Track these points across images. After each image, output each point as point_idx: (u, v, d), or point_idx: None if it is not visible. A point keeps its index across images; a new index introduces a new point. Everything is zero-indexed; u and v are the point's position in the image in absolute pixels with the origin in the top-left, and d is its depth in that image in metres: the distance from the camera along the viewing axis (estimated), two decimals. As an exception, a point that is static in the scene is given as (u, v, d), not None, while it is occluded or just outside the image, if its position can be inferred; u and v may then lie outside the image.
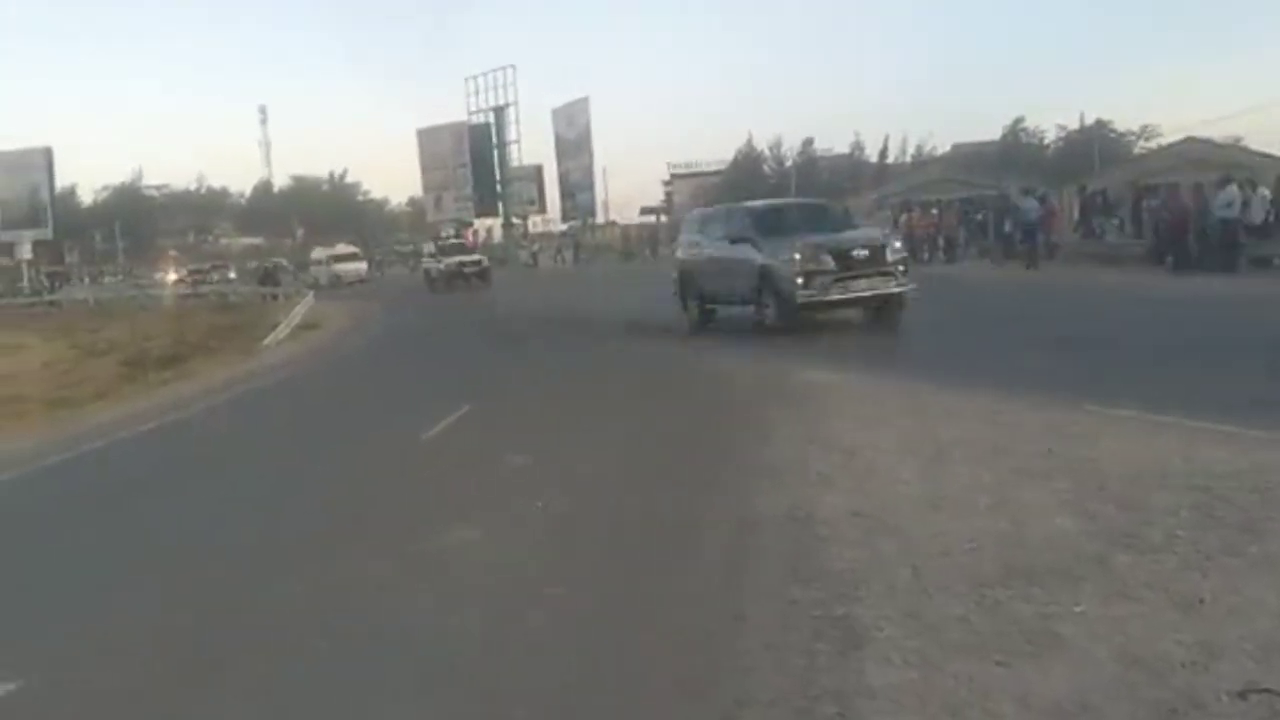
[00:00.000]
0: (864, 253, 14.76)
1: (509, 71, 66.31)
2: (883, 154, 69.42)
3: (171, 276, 57.89)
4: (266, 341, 24.65)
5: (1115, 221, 25.49)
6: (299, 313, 29.54)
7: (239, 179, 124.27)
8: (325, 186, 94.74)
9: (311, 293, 36.27)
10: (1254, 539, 4.96)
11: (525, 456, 8.77)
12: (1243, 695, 3.55)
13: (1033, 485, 6.24)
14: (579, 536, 6.49)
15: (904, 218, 31.26)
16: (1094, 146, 54.89)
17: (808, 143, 69.72)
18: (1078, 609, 4.40)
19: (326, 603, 5.60)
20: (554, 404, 11.81)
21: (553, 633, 4.90)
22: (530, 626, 4.98)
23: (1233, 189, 20.07)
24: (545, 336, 19.65)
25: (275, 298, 39.48)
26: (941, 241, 28.58)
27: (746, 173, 69.15)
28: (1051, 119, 67.55)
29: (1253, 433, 6.88)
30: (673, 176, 76.74)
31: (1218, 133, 46.21)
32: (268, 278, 48.52)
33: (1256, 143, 46.50)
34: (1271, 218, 19.91)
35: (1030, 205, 25.84)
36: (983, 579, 4.84)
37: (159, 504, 8.74)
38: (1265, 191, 20.18)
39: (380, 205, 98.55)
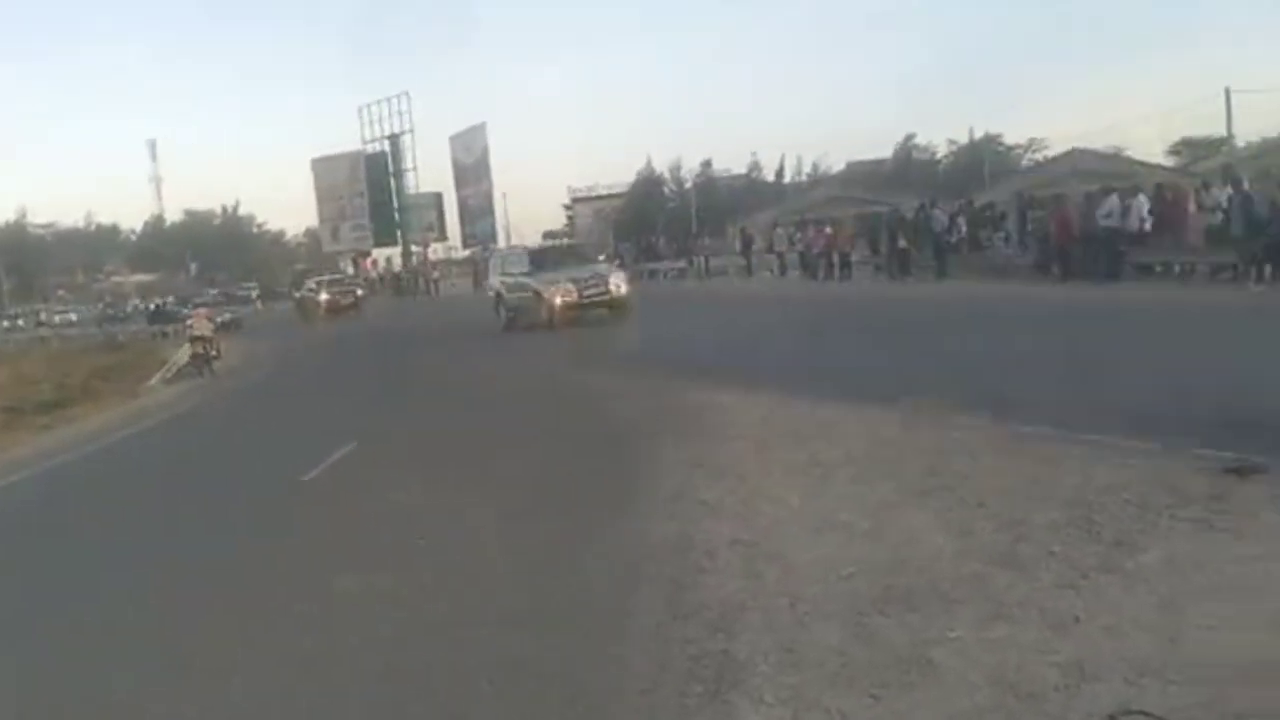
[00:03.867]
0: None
1: (403, 99, 65.81)
2: (779, 174, 70.39)
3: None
4: (151, 382, 23.80)
5: (1002, 234, 26.04)
6: (184, 354, 28.60)
7: (130, 215, 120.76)
8: (218, 220, 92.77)
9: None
10: (1129, 554, 4.93)
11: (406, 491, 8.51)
12: (1113, 719, 3.47)
13: (913, 505, 6.18)
14: (450, 578, 6.22)
15: (798, 236, 31.62)
16: (984, 161, 56.25)
17: (706, 164, 70.29)
18: (953, 634, 4.30)
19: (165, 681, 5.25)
20: (437, 418, 11.53)
21: (420, 686, 4.64)
22: (397, 682, 4.71)
23: (1113, 198, 20.60)
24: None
25: (165, 335, 38.35)
26: (836, 258, 28.89)
27: (646, 195, 69.44)
28: (943, 135, 69.37)
29: (1130, 443, 6.91)
30: (574, 200, 76.73)
31: (1102, 143, 47.83)
32: (158, 316, 47.33)
33: (1139, 152, 48.39)
34: (1149, 225, 20.46)
35: (939, 218, 26.32)
36: (860, 606, 4.72)
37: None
38: (1143, 199, 20.75)
39: (277, 236, 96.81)
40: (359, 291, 47.30)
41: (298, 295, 48.49)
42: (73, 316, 55.98)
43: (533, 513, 7.48)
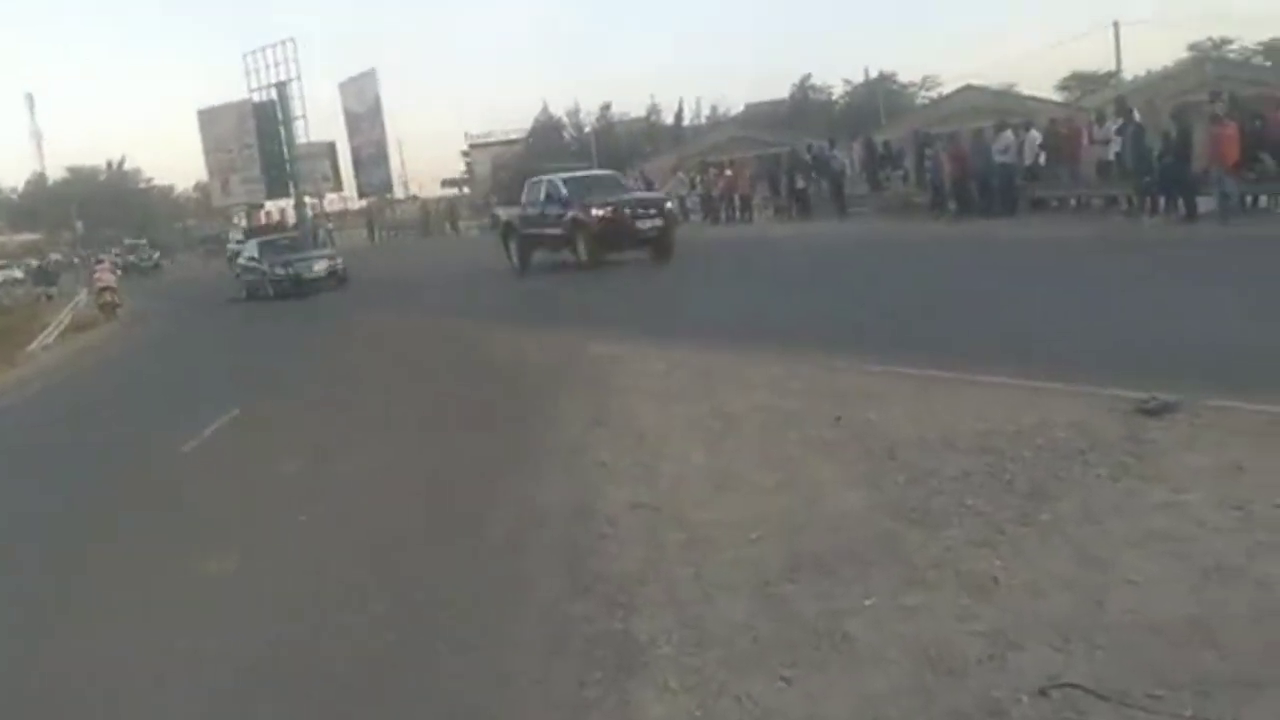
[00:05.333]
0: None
1: (289, 45, 62.69)
2: (678, 117, 69.56)
3: None
4: (32, 347, 22.55)
5: (900, 172, 25.99)
6: (68, 314, 27.27)
7: (11, 173, 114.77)
8: (104, 176, 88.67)
9: (85, 291, 33.59)
10: (1044, 504, 4.70)
11: (294, 462, 7.99)
12: (1044, 693, 3.21)
13: (821, 458, 5.89)
14: (337, 556, 5.76)
15: (698, 178, 31.23)
16: (879, 100, 56.41)
17: (605, 108, 69.14)
18: (868, 602, 4.02)
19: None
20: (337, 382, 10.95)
21: (297, 684, 4.22)
22: (273, 678, 4.28)
23: (1008, 134, 20.58)
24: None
25: (50, 298, 36.50)
26: (737, 200, 28.62)
27: (545, 140, 68.21)
28: (838, 75, 69.31)
29: (1035, 383, 6.74)
30: (471, 147, 75.10)
31: (994, 80, 48.32)
32: (43, 276, 44.86)
33: (1029, 88, 49.03)
34: (1042, 160, 20.53)
35: (837, 158, 26.15)
36: (769, 574, 4.41)
37: None
38: (1035, 134, 20.78)
39: (166, 192, 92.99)
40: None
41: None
42: (18, 273, 52.37)
43: (425, 477, 7.05)
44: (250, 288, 26.51)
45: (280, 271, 25.33)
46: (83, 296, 31.16)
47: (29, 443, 11.78)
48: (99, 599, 5.64)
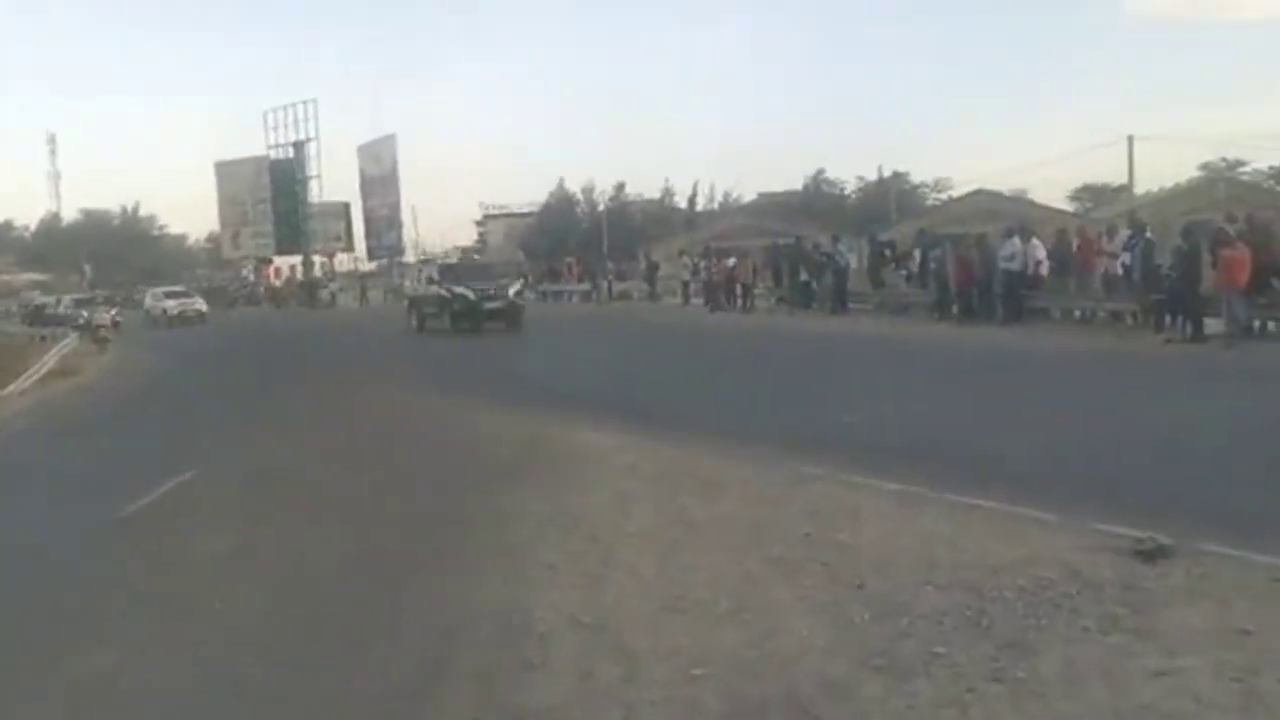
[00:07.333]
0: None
1: (309, 105, 63.65)
2: (692, 201, 69.92)
3: None
4: (7, 391, 22.08)
5: (903, 272, 25.68)
6: (52, 358, 26.86)
7: (24, 212, 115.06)
8: (117, 220, 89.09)
9: (75, 335, 33.30)
10: (1022, 657, 4.19)
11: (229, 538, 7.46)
12: None
13: (783, 581, 5.37)
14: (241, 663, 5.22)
15: (702, 265, 30.99)
16: (891, 198, 56.59)
17: (619, 187, 69.54)
18: (810, 770, 3.49)
19: None
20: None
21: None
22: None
23: (1015, 241, 20.27)
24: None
25: (43, 339, 36.17)
26: (739, 289, 28.32)
27: (559, 215, 68.48)
28: (852, 170, 69.79)
29: (1027, 512, 6.25)
30: (485, 216, 75.63)
31: (1006, 186, 48.51)
32: (36, 317, 44.52)
33: (1041, 196, 49.24)
34: (1044, 269, 20.20)
35: (842, 253, 25.88)
36: (705, 721, 3.89)
37: None
38: (1036, 243, 20.47)
39: (178, 240, 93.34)
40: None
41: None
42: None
43: (357, 570, 6.52)
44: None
45: None
46: (72, 340, 30.94)
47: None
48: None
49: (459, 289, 26.21)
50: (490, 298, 26.00)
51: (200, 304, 44.77)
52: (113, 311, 38.77)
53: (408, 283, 31.87)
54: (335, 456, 10.95)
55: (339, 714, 4.44)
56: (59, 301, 47.17)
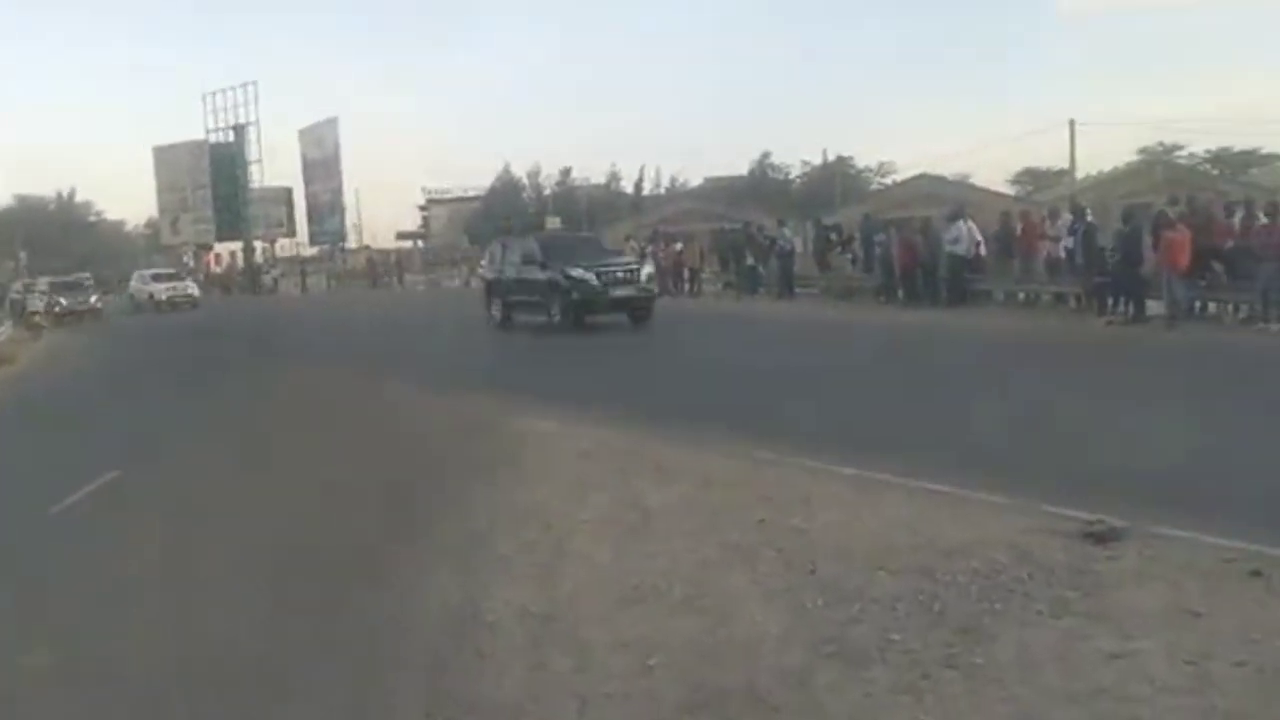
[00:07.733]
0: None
1: (250, 88, 62.51)
2: (638, 185, 69.79)
3: None
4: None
5: (848, 256, 25.82)
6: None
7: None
8: (52, 206, 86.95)
9: (9, 323, 32.51)
10: (977, 643, 4.17)
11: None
12: None
13: (738, 568, 5.32)
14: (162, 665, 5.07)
15: (649, 249, 30.95)
16: (835, 182, 56.90)
17: (565, 172, 69.24)
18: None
19: None
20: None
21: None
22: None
23: (960, 224, 20.47)
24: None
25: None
26: (686, 274, 28.33)
27: (504, 199, 67.94)
28: (797, 155, 70.10)
29: (978, 495, 6.26)
30: (429, 201, 74.72)
31: (949, 170, 49.03)
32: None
33: (983, 180, 49.84)
34: (984, 251, 20.40)
35: (787, 238, 25.99)
36: (660, 714, 3.83)
37: None
38: (973, 225, 20.65)
39: (116, 227, 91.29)
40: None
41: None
42: None
43: (290, 566, 6.36)
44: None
45: None
46: (6, 328, 30.22)
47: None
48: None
49: (575, 272, 19.40)
50: (618, 281, 19.52)
51: (193, 288, 43.42)
52: (94, 298, 37.89)
53: (483, 263, 24.56)
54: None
55: (288, 706, 4.32)
56: (28, 287, 44.03)
